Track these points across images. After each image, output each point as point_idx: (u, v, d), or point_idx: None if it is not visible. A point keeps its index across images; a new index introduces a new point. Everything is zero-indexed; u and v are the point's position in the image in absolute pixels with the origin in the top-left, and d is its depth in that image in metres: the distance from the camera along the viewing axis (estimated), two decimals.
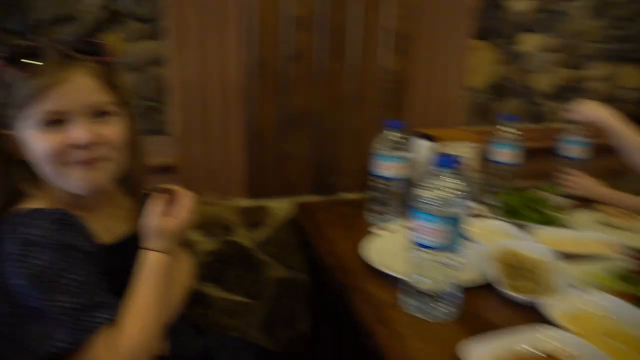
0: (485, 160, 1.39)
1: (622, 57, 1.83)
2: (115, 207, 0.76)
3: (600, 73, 1.82)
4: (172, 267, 0.70)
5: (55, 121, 0.62)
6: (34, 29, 1.19)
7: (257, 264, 1.40)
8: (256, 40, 1.23)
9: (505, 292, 0.79)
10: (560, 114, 1.46)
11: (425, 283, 0.73)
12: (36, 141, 0.63)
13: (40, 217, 0.62)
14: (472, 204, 1.25)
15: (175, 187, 0.74)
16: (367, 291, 0.85)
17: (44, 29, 1.19)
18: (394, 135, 1.15)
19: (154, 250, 0.68)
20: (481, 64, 1.66)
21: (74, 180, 0.65)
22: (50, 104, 0.61)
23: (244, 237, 1.36)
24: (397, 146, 1.14)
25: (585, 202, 1.38)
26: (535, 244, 0.94)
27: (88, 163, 0.64)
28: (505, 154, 1.34)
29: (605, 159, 1.45)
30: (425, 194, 0.69)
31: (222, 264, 1.36)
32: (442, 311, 0.74)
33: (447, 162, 0.68)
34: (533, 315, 0.73)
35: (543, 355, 0.62)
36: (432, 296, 0.73)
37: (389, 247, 0.96)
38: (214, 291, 1.38)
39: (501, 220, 1.13)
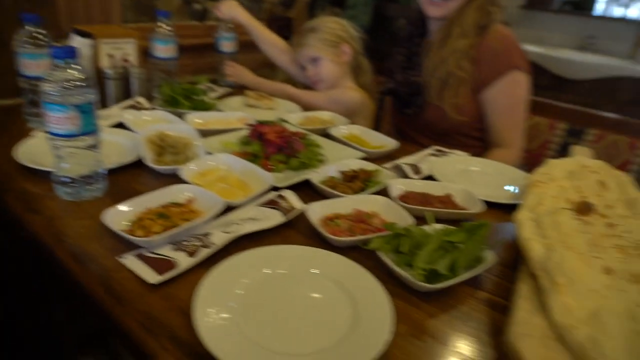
0: (147, 56, 1.47)
1: None
2: None
3: None
4: None
5: None
6: None
7: None
8: None
9: (152, 166, 0.95)
10: (213, 12, 1.64)
11: (68, 169, 0.80)
12: None
13: None
14: (138, 98, 1.34)
15: None
16: (21, 189, 0.87)
17: None
18: (37, 32, 1.09)
19: None
20: None
21: None
22: None
23: None
24: (40, 43, 1.09)
25: (238, 88, 1.66)
26: (182, 125, 1.11)
27: None
28: (164, 49, 1.44)
29: (254, 52, 1.74)
30: (48, 85, 0.73)
31: None
32: (91, 190, 0.84)
33: (64, 53, 0.73)
34: (174, 181, 0.91)
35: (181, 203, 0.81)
36: (77, 179, 0.82)
37: (42, 145, 0.97)
38: None
39: (160, 109, 1.26)
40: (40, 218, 0.79)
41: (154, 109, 1.28)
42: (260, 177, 0.91)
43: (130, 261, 0.67)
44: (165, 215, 0.75)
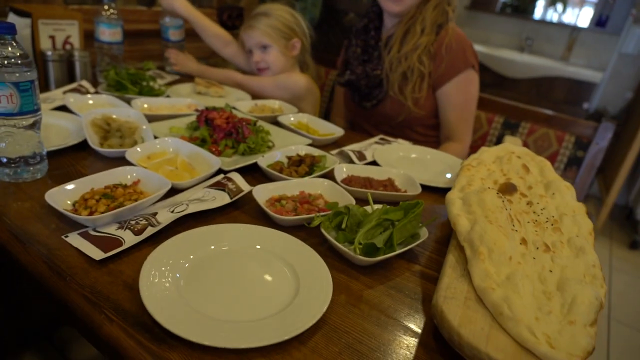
0: (93, 39, 1.44)
1: None
2: None
3: None
4: None
5: None
6: None
7: None
8: None
9: (96, 149, 0.93)
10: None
11: (6, 149, 0.78)
12: None
13: None
14: (82, 82, 1.31)
15: None
16: None
17: None
18: None
19: None
20: None
21: None
22: None
23: None
24: None
25: (186, 77, 1.65)
26: (129, 110, 1.10)
27: None
28: (110, 33, 1.41)
29: (199, 41, 1.73)
30: None
31: None
32: (31, 172, 0.82)
33: (1, 29, 0.71)
34: (120, 164, 0.91)
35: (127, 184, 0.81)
36: (17, 160, 0.80)
37: None
38: None
39: (106, 94, 1.24)
40: None
41: (98, 93, 1.25)
42: (207, 160, 0.93)
43: (74, 239, 0.67)
44: (110, 196, 0.75)
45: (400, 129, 1.52)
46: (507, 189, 0.80)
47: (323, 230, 0.74)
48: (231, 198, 0.82)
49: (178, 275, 0.62)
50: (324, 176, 0.97)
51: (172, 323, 0.52)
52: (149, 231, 0.70)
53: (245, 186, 0.86)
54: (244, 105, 1.36)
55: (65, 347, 1.44)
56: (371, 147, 1.21)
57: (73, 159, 0.94)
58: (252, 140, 1.05)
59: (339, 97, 1.78)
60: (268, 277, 0.65)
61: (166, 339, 0.53)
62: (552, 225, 0.72)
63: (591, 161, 1.64)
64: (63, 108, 1.13)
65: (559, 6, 4.15)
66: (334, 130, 1.28)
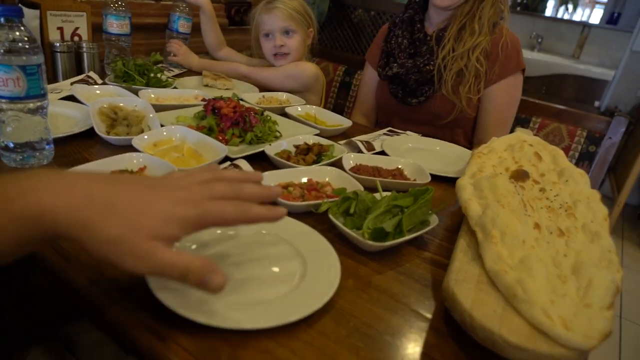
0: (101, 32, 1.44)
1: None
2: None
3: None
4: None
5: None
6: None
7: None
8: None
9: (103, 136, 0.93)
10: None
11: (12, 134, 0.78)
12: None
13: None
14: (90, 73, 1.31)
15: None
16: None
17: None
18: None
19: None
20: None
21: None
22: None
23: None
24: None
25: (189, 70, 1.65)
26: (136, 99, 1.09)
27: None
28: (118, 25, 1.41)
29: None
30: None
31: None
32: (38, 158, 0.82)
33: (7, 11, 0.71)
34: (126, 152, 0.90)
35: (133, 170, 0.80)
36: (23, 145, 0.79)
37: None
38: None
39: (113, 85, 1.24)
40: None
41: (105, 84, 1.25)
42: (214, 148, 0.92)
43: None
44: None
45: (448, 129, 1.44)
46: (520, 176, 0.78)
47: (331, 216, 0.72)
48: None
49: None
50: (331, 165, 0.96)
51: (178, 304, 0.51)
52: None
53: None
54: (251, 97, 1.35)
55: (73, 343, 1.44)
56: (380, 138, 1.19)
57: (80, 147, 0.93)
58: (259, 129, 1.04)
59: (365, 93, 1.65)
60: (275, 261, 0.64)
61: (171, 320, 0.52)
62: (565, 211, 0.70)
63: (604, 156, 1.61)
64: (71, 98, 1.13)
65: (570, 6, 4.12)
66: (342, 122, 1.26)
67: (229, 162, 0.88)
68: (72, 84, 1.22)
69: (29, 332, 1.44)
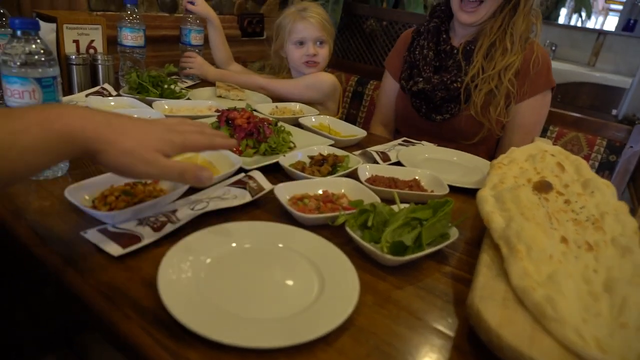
0: (116, 44, 1.45)
1: None
2: None
3: None
4: None
5: None
6: None
7: None
8: None
9: None
10: (183, 5, 1.62)
11: None
12: None
13: None
14: (105, 85, 1.31)
15: None
16: None
17: None
18: None
19: None
20: None
21: None
22: None
23: None
24: (1, 23, 1.06)
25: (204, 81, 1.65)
26: (150, 110, 1.09)
27: None
28: (132, 37, 1.42)
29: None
30: (8, 57, 0.71)
31: None
32: (52, 169, 0.81)
33: (24, 24, 0.71)
34: None
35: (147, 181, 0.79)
36: None
37: None
38: None
39: (127, 96, 1.24)
40: None
41: (120, 95, 1.25)
42: (228, 159, 0.91)
43: (92, 235, 0.65)
44: (130, 193, 0.74)
45: (472, 147, 1.36)
46: (543, 187, 0.76)
47: (348, 229, 0.70)
48: (252, 196, 0.80)
49: (198, 271, 0.59)
50: (347, 176, 0.94)
51: (192, 320, 0.50)
52: (169, 228, 0.67)
53: (266, 185, 0.84)
54: (264, 108, 1.34)
55: (85, 353, 1.43)
56: (395, 148, 1.17)
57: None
58: (273, 140, 1.03)
59: (384, 104, 1.60)
60: (291, 276, 0.62)
61: (185, 337, 0.50)
62: (593, 224, 0.67)
63: (625, 165, 1.57)
64: None
65: (583, 14, 4.07)
66: (356, 132, 1.25)
67: (243, 174, 0.87)
68: (87, 95, 1.23)
69: (42, 341, 1.43)
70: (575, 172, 0.84)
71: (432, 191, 0.92)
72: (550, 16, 4.15)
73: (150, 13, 1.71)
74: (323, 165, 0.95)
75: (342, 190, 0.86)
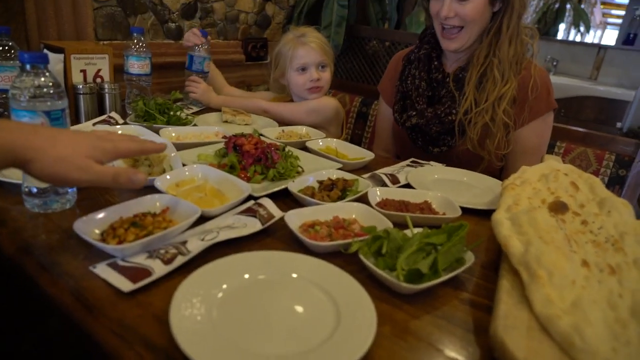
0: (122, 72, 1.46)
1: None
2: None
3: None
4: None
5: None
6: None
7: None
8: None
9: None
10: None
11: (35, 179, 0.77)
12: None
13: None
14: (111, 113, 1.32)
15: None
16: None
17: None
18: (6, 44, 1.07)
19: None
20: None
21: None
22: None
23: None
24: (9, 55, 1.07)
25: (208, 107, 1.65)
26: (157, 138, 1.09)
27: None
28: (138, 65, 1.43)
29: (227, 72, 1.74)
30: (16, 91, 0.71)
31: None
32: (60, 202, 0.81)
33: (32, 58, 0.71)
34: (148, 193, 0.89)
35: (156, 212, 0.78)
36: (46, 190, 0.79)
37: None
38: None
39: (134, 124, 1.24)
40: (5, 231, 0.75)
41: (127, 123, 1.25)
42: (237, 186, 0.90)
43: (102, 270, 0.64)
44: (139, 225, 0.73)
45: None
46: (558, 208, 0.74)
47: (362, 257, 0.69)
48: (263, 224, 0.78)
49: (211, 307, 0.58)
50: (357, 200, 0.93)
51: (206, 358, 0.48)
52: (179, 260, 0.66)
53: (276, 212, 0.83)
54: (271, 132, 1.34)
55: None
56: (404, 169, 1.16)
57: (102, 189, 0.92)
58: (281, 166, 1.02)
59: (383, 129, 1.60)
60: (307, 308, 0.61)
61: None
62: (612, 245, 0.65)
63: (635, 180, 1.55)
64: None
65: (582, 28, 4.10)
66: (364, 154, 1.24)
67: (252, 201, 0.86)
68: (94, 124, 1.23)
69: None
70: (589, 191, 0.82)
71: (444, 213, 0.91)
72: (549, 32, 4.18)
73: (155, 41, 1.73)
74: (333, 190, 0.94)
75: (353, 216, 0.85)
